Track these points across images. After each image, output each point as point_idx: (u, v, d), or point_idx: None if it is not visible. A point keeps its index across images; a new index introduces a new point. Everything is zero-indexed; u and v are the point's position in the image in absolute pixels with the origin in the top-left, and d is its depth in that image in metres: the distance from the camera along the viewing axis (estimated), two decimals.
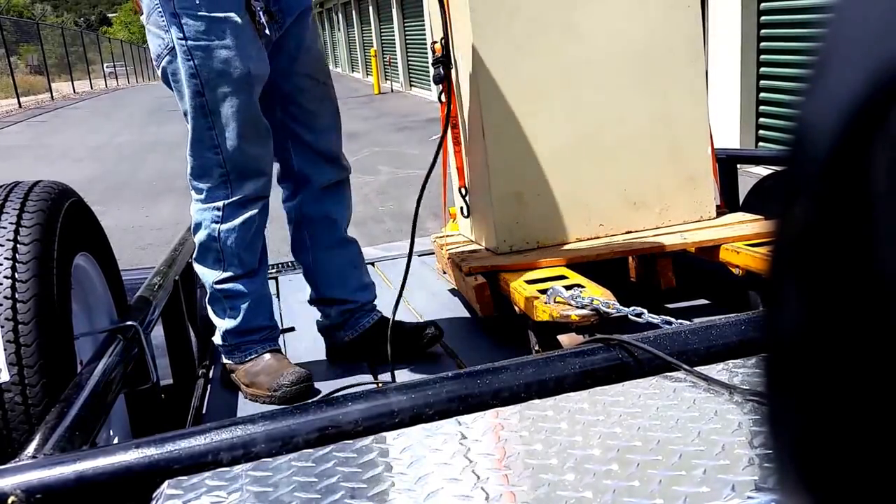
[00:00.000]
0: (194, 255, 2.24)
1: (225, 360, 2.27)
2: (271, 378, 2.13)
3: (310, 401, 1.28)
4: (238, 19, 2.01)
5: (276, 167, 2.32)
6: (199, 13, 1.99)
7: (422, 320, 2.47)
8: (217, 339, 2.27)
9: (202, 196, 2.15)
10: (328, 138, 2.30)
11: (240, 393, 2.21)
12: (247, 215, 2.15)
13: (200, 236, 2.18)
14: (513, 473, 1.04)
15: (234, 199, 2.13)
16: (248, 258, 2.21)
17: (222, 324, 2.23)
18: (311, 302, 2.43)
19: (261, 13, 2.08)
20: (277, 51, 2.19)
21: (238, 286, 2.21)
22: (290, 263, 3.39)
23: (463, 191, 2.66)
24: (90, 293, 1.92)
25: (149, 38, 2.10)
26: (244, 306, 2.21)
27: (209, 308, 2.27)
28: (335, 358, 2.39)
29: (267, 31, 2.10)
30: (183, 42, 2.00)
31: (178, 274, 2.25)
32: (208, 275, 2.21)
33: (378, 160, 10.23)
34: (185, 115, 2.10)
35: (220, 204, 2.13)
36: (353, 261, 2.40)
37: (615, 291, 1.99)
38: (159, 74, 2.12)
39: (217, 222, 2.14)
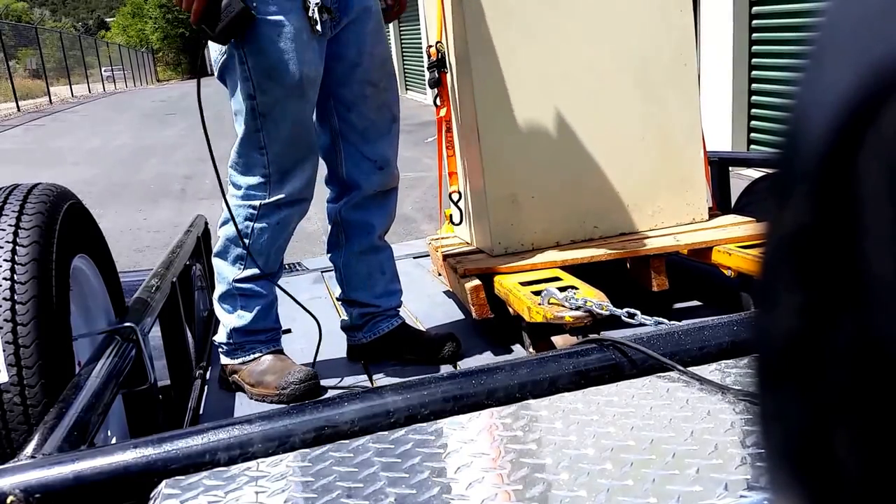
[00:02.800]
0: (216, 250, 2.24)
1: (225, 361, 2.26)
2: (278, 377, 2.13)
3: (306, 402, 1.28)
4: (293, 22, 2.01)
5: (324, 169, 2.33)
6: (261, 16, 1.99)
7: (436, 331, 2.47)
8: (220, 337, 2.27)
9: (240, 192, 2.16)
10: (382, 146, 2.28)
11: (237, 393, 2.22)
12: (282, 216, 2.16)
13: (229, 231, 2.19)
14: (507, 473, 1.05)
15: (272, 199, 2.13)
16: (272, 260, 2.23)
17: (230, 321, 2.23)
18: (338, 299, 2.45)
19: (315, 9, 2.04)
20: (337, 58, 2.17)
21: (257, 286, 2.22)
22: (287, 265, 3.40)
23: (456, 196, 2.66)
24: (88, 295, 1.92)
25: (210, 43, 2.11)
26: (258, 307, 2.22)
27: (218, 304, 2.27)
28: (348, 357, 2.42)
29: (319, 28, 2.05)
30: (239, 45, 2.02)
31: (176, 276, 2.25)
32: (228, 271, 2.22)
33: None
34: (236, 114, 2.11)
35: (257, 203, 2.14)
36: (382, 266, 2.40)
37: (608, 293, 2.00)
38: (216, 76, 2.14)
39: (251, 220, 2.15)
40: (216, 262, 2.26)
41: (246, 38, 2.00)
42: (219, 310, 2.27)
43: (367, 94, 2.22)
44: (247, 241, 2.16)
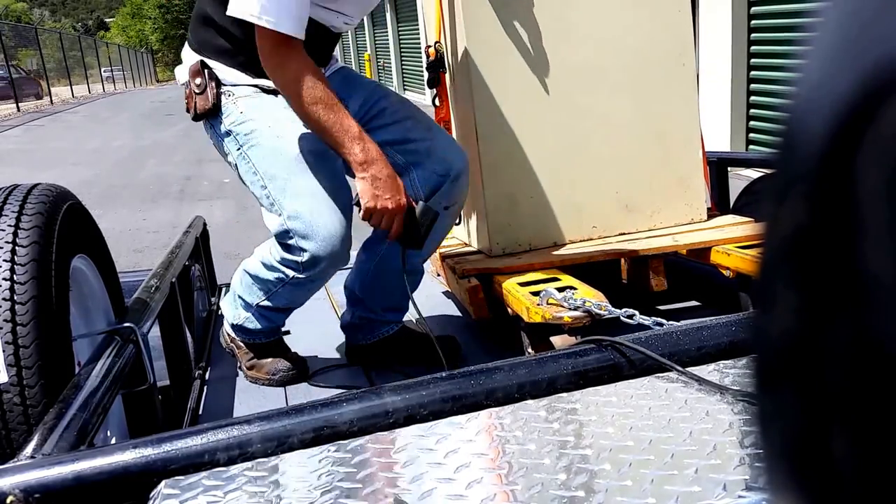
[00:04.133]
0: (249, 266, 2.21)
1: (227, 329, 2.36)
2: (271, 363, 2.26)
3: (305, 402, 1.28)
4: (283, 105, 2.04)
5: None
6: (245, 120, 2.07)
7: (435, 332, 2.43)
8: (226, 309, 2.34)
9: (277, 257, 2.07)
10: (451, 154, 2.23)
11: (236, 393, 2.24)
12: (315, 284, 2.13)
13: (264, 273, 2.14)
14: (506, 473, 1.05)
15: (304, 275, 2.05)
16: (299, 302, 2.25)
17: (238, 316, 2.27)
18: (345, 287, 2.43)
19: None
20: (352, 105, 2.17)
21: (274, 314, 2.26)
22: None
23: None
24: (88, 295, 1.92)
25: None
26: (268, 327, 2.27)
27: (235, 295, 2.29)
28: (347, 358, 2.42)
29: None
30: (240, 150, 2.08)
31: (175, 276, 2.25)
32: (250, 294, 2.21)
33: None
34: (252, 192, 2.12)
35: (290, 273, 2.07)
36: (404, 290, 2.25)
37: (607, 293, 2.00)
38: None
39: (281, 283, 2.12)
40: (244, 275, 2.24)
41: (244, 141, 2.07)
42: (234, 297, 2.30)
43: (401, 119, 2.22)
44: (276, 288, 2.15)
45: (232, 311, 2.32)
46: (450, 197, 2.22)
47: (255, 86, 2.10)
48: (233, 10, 1.90)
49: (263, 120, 2.06)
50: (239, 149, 2.09)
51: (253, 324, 2.26)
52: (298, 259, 2.01)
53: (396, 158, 2.15)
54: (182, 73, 2.19)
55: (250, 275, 2.21)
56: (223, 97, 2.10)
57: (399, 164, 2.14)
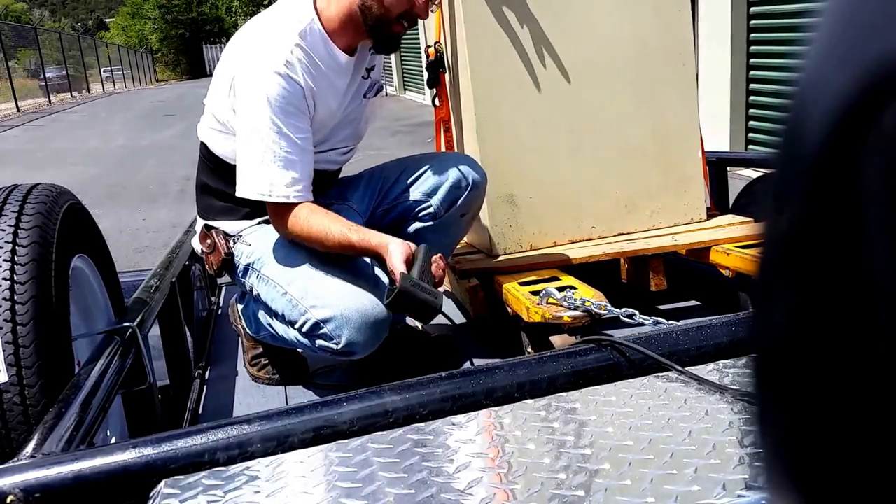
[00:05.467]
0: (280, 331, 2.10)
1: (239, 313, 2.34)
2: (272, 364, 2.28)
3: (305, 402, 1.28)
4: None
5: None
6: (255, 250, 2.08)
7: (435, 332, 2.45)
8: (245, 321, 2.31)
9: (314, 346, 1.98)
10: (455, 169, 2.22)
11: (236, 393, 2.24)
12: (357, 357, 1.99)
13: (288, 333, 2.05)
14: (505, 473, 1.05)
15: (345, 357, 1.98)
16: None
17: (259, 332, 2.24)
18: None
19: None
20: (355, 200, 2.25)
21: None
22: None
23: None
24: (88, 295, 1.92)
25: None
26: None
27: (258, 320, 2.24)
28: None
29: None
30: (258, 276, 2.07)
31: (175, 276, 2.25)
32: (278, 339, 2.16)
33: (371, 164, 10.21)
34: (261, 301, 2.09)
35: (328, 354, 1.98)
36: None
37: (607, 293, 2.01)
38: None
39: (313, 350, 2.04)
40: (270, 327, 2.15)
41: (266, 272, 2.05)
42: (253, 318, 2.25)
43: (405, 167, 2.28)
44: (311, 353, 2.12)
45: (251, 324, 2.27)
46: (465, 206, 2.25)
47: (260, 222, 2.10)
48: (242, 192, 1.95)
49: (272, 243, 2.05)
50: (258, 275, 2.07)
51: (271, 340, 2.23)
52: (335, 346, 1.92)
53: (414, 227, 2.24)
54: (196, 242, 2.27)
55: (271, 321, 2.13)
56: (234, 246, 2.12)
57: (420, 234, 2.22)
